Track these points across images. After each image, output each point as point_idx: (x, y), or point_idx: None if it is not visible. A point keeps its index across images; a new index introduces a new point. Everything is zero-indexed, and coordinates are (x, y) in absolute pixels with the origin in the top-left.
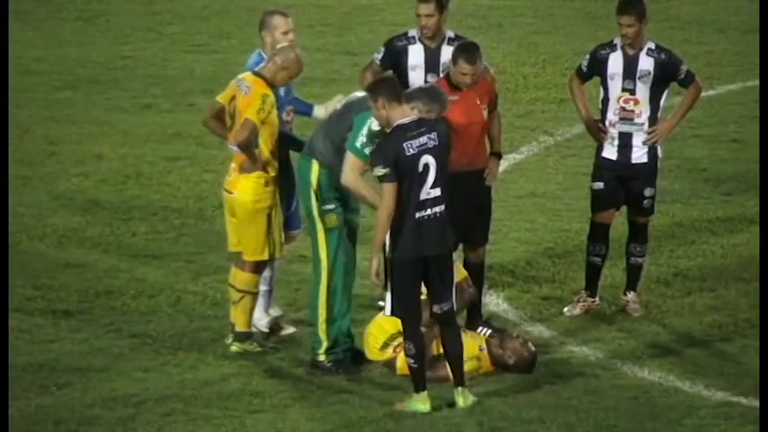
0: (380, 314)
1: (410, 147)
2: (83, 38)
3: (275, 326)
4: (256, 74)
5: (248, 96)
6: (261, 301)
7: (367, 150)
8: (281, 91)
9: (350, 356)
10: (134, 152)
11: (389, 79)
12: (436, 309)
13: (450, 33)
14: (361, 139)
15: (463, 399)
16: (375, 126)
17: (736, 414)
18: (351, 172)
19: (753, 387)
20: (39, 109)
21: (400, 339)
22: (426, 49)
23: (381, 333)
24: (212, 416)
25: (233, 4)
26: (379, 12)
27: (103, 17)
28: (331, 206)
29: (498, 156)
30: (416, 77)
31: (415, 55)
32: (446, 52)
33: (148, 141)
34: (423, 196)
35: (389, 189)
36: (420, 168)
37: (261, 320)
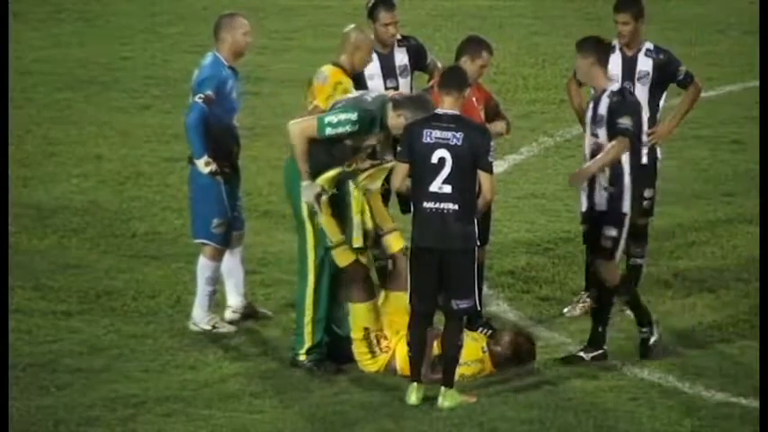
0: (352, 337)
1: (428, 135)
2: (83, 38)
3: (241, 315)
4: (335, 64)
5: (323, 84)
6: (205, 302)
7: (327, 130)
8: (234, 98)
9: (348, 355)
10: (134, 153)
11: (455, 67)
12: (453, 305)
13: (398, 35)
14: (332, 118)
15: (446, 400)
16: (353, 117)
17: (735, 415)
18: (300, 128)
19: (752, 388)
20: (39, 110)
21: (374, 333)
22: (380, 56)
23: (361, 348)
24: (212, 416)
25: (233, 5)
26: None
27: (103, 18)
28: None
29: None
30: (376, 85)
31: (371, 64)
32: (399, 55)
33: (148, 142)
34: (433, 188)
35: (397, 167)
36: (434, 160)
37: (203, 320)
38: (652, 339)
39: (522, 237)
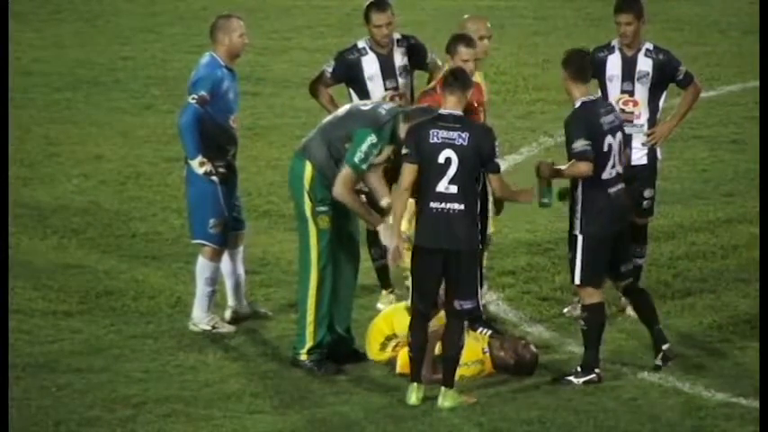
0: (379, 315)
1: (435, 135)
2: (83, 39)
3: (238, 316)
4: None
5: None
6: (204, 302)
7: (364, 166)
8: (231, 98)
9: (348, 355)
10: (134, 153)
11: (458, 68)
12: (456, 305)
13: (397, 35)
14: (360, 154)
15: (446, 400)
16: (374, 140)
17: (736, 415)
18: (343, 186)
19: (753, 388)
20: (39, 110)
21: (397, 339)
22: (379, 56)
23: (379, 334)
24: (212, 416)
25: (233, 5)
26: None
27: (103, 18)
28: (324, 207)
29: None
30: (375, 86)
31: (370, 65)
32: (398, 55)
33: (148, 142)
34: (440, 189)
35: (407, 169)
36: (440, 160)
37: (203, 320)
38: (574, 380)
39: (523, 237)
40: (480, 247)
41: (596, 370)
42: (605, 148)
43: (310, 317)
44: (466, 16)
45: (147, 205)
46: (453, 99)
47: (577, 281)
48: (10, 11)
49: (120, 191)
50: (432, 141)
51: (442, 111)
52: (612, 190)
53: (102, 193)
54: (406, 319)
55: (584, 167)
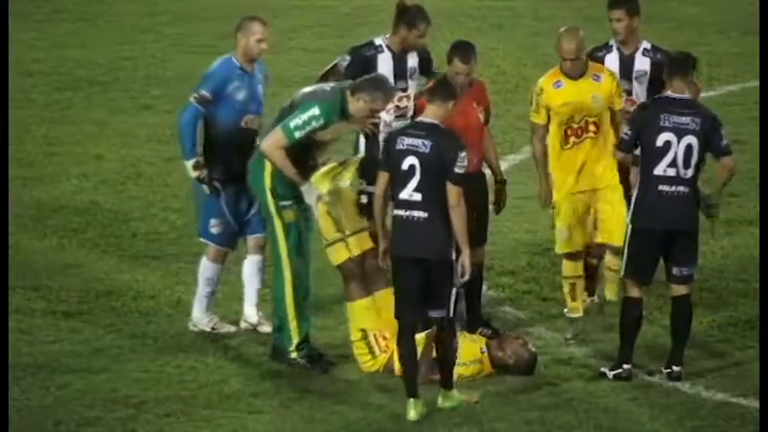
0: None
1: (401, 142)
2: (83, 38)
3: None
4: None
5: None
6: (204, 302)
7: (297, 134)
8: (240, 99)
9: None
10: (134, 153)
11: (444, 80)
12: (431, 314)
13: None
14: (297, 121)
15: (446, 400)
16: (316, 112)
17: (736, 415)
18: (270, 144)
19: (753, 388)
20: (39, 110)
21: (376, 332)
22: (395, 56)
23: (359, 336)
24: (212, 416)
25: (233, 5)
26: (379, 13)
27: (103, 18)
28: (288, 202)
29: (503, 182)
30: None
31: (384, 64)
32: (411, 58)
33: (148, 142)
34: (403, 196)
35: (380, 176)
36: (404, 167)
37: (202, 321)
38: (608, 372)
39: (523, 237)
40: (479, 245)
41: (624, 366)
42: (659, 144)
43: (291, 313)
44: (562, 29)
45: (147, 205)
46: (432, 107)
47: (622, 271)
48: (10, 11)
49: (120, 191)
50: (398, 148)
51: (418, 119)
52: (664, 188)
53: (102, 193)
54: (360, 310)
55: (617, 155)
